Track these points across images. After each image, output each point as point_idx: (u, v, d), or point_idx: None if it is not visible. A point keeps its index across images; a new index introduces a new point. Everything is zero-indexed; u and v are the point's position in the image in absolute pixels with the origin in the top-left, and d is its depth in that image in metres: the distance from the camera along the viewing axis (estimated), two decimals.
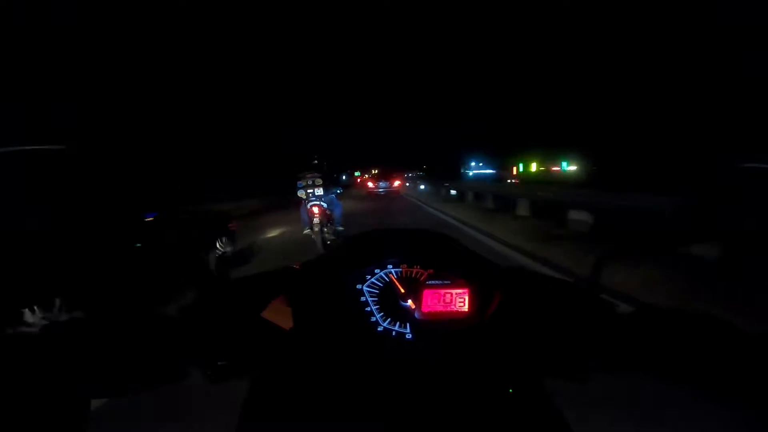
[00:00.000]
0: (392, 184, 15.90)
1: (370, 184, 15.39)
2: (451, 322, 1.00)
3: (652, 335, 0.80)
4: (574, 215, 9.09)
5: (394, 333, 1.01)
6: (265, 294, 1.04)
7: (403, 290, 1.05)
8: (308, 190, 7.93)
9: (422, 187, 29.08)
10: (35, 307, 3.16)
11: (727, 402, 0.71)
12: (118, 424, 2.15)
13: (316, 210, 7.95)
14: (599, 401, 2.01)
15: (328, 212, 8.49)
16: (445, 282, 1.04)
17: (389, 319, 1.03)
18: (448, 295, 1.02)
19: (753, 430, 0.86)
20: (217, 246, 6.32)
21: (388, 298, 1.06)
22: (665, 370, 0.76)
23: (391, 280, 1.09)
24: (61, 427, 0.68)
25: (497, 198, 17.79)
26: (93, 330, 0.82)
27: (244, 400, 0.89)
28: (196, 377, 0.85)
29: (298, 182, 8.14)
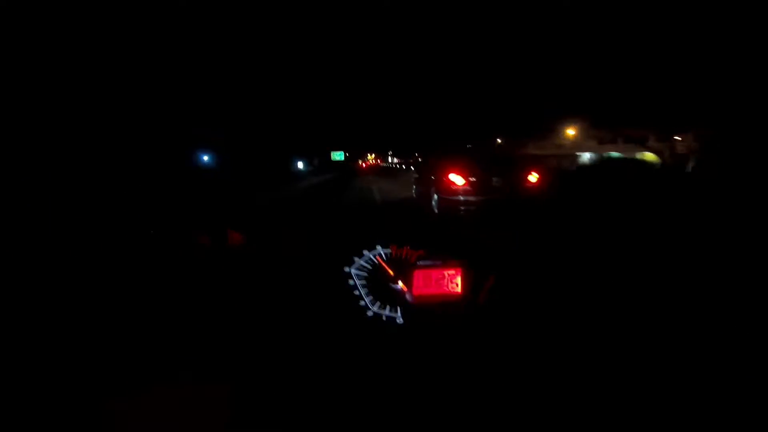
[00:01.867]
0: (524, 180, 5.63)
1: (456, 181, 4.92)
2: (443, 305, 0.96)
3: None
4: None
5: (384, 317, 0.97)
6: (255, 276, 1.03)
7: (392, 272, 1.00)
8: None
9: None
10: None
11: None
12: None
13: None
14: None
15: None
16: (437, 262, 0.99)
17: (379, 303, 0.99)
18: (440, 276, 0.97)
19: None
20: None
21: (378, 281, 1.01)
22: None
23: (380, 262, 1.04)
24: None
25: None
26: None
27: (237, 390, 0.87)
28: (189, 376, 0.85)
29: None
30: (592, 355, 0.83)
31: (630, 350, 0.85)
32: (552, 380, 0.82)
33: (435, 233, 1.09)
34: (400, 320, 0.96)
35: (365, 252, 1.05)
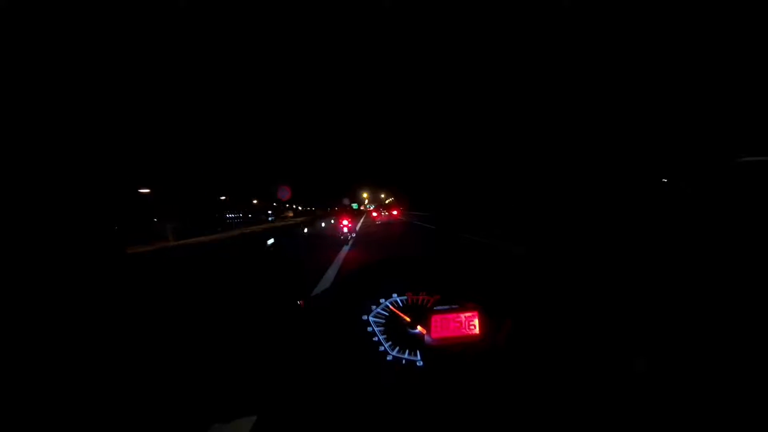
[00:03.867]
0: None
1: None
2: (462, 346, 0.99)
3: None
4: None
5: (403, 361, 1.00)
6: (270, 332, 1.05)
7: (408, 318, 1.05)
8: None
9: None
10: None
11: None
12: None
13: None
14: None
15: None
16: (453, 307, 1.04)
17: (398, 348, 1.02)
18: (458, 320, 1.02)
19: None
20: None
21: (396, 327, 1.05)
22: None
23: (395, 310, 1.09)
24: None
25: None
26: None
27: (263, 425, 0.88)
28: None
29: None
30: (612, 393, 0.85)
31: (654, 386, 0.85)
32: (571, 416, 0.83)
33: (449, 279, 1.12)
34: (420, 363, 0.99)
35: (382, 300, 1.11)
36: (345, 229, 11.70)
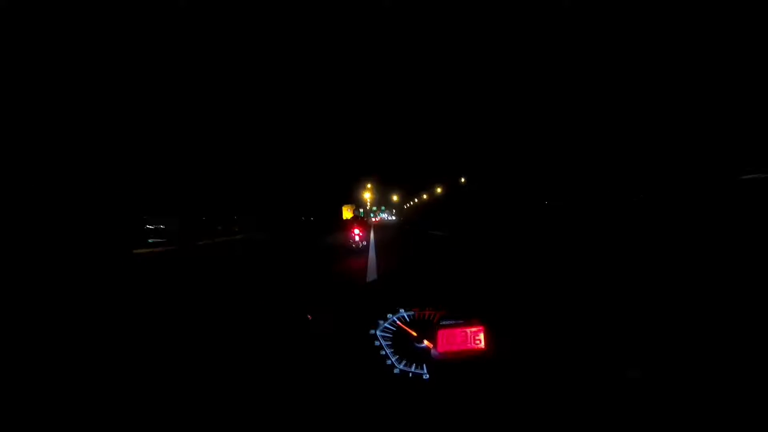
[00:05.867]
0: None
1: None
2: (468, 359, 1.02)
3: None
4: None
5: (410, 374, 1.02)
6: (279, 345, 1.09)
7: (415, 333, 1.08)
8: None
9: None
10: None
11: None
12: None
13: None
14: None
15: None
16: (459, 321, 1.07)
17: (405, 362, 1.05)
18: (464, 334, 1.05)
19: None
20: None
21: (403, 341, 1.08)
22: None
23: (402, 325, 1.12)
24: None
25: None
26: None
27: None
28: None
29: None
30: (616, 404, 0.86)
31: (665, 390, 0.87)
32: (576, 427, 0.86)
33: (455, 294, 1.16)
34: (426, 376, 1.01)
35: (389, 315, 1.14)
36: (357, 238, 12.20)
